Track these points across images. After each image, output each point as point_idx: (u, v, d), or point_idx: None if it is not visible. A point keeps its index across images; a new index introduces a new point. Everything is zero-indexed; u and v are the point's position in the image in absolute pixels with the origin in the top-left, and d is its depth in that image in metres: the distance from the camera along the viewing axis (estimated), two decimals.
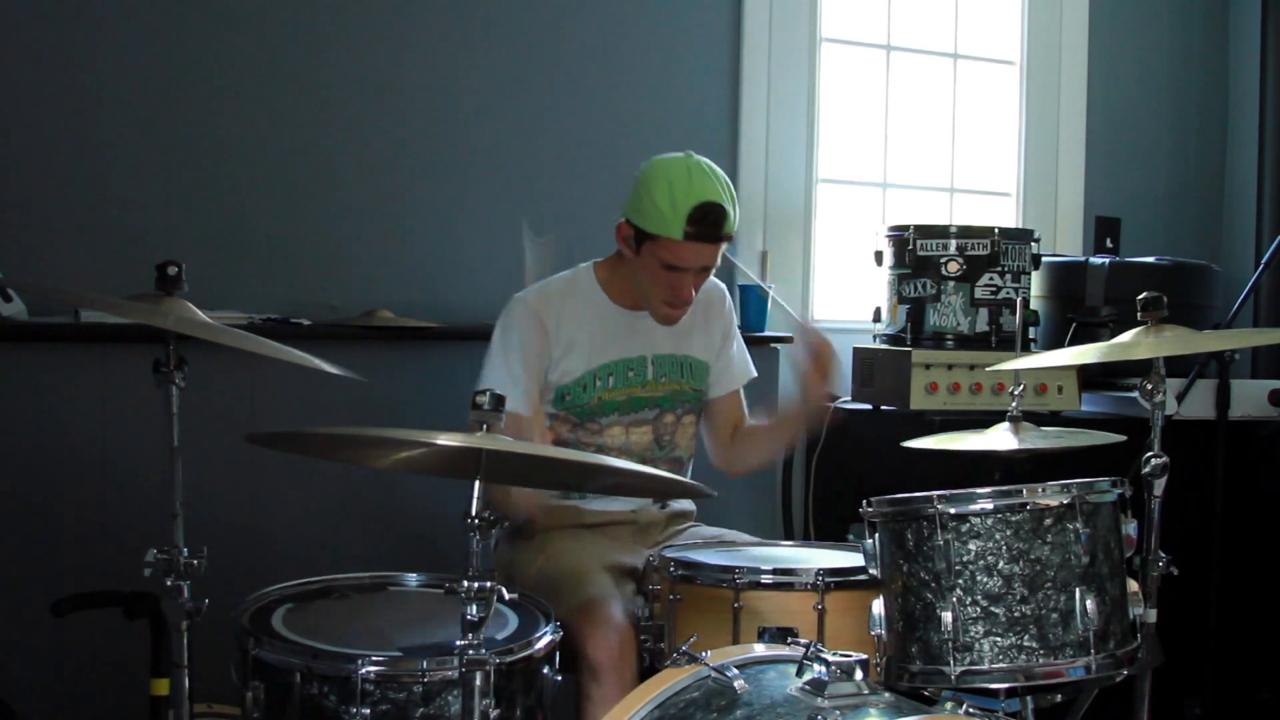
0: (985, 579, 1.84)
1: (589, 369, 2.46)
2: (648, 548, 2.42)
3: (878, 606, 1.93)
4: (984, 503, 1.85)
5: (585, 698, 2.11)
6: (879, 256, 3.26)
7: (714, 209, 2.31)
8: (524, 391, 2.39)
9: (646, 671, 2.05)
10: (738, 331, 2.70)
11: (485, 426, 1.50)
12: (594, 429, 2.48)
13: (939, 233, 3.13)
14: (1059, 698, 1.97)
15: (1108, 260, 3.37)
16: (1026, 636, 1.82)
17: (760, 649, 1.77)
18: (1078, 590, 1.83)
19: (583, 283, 2.51)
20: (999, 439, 2.28)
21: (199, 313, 1.79)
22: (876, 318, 3.28)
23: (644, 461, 2.49)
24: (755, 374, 2.70)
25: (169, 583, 1.74)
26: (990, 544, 1.84)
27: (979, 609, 1.83)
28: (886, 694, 1.58)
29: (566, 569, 2.28)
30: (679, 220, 2.30)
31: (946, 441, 2.34)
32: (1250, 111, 3.95)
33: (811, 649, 1.60)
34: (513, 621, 1.93)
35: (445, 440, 1.46)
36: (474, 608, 1.50)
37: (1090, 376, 3.24)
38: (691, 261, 2.36)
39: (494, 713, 1.59)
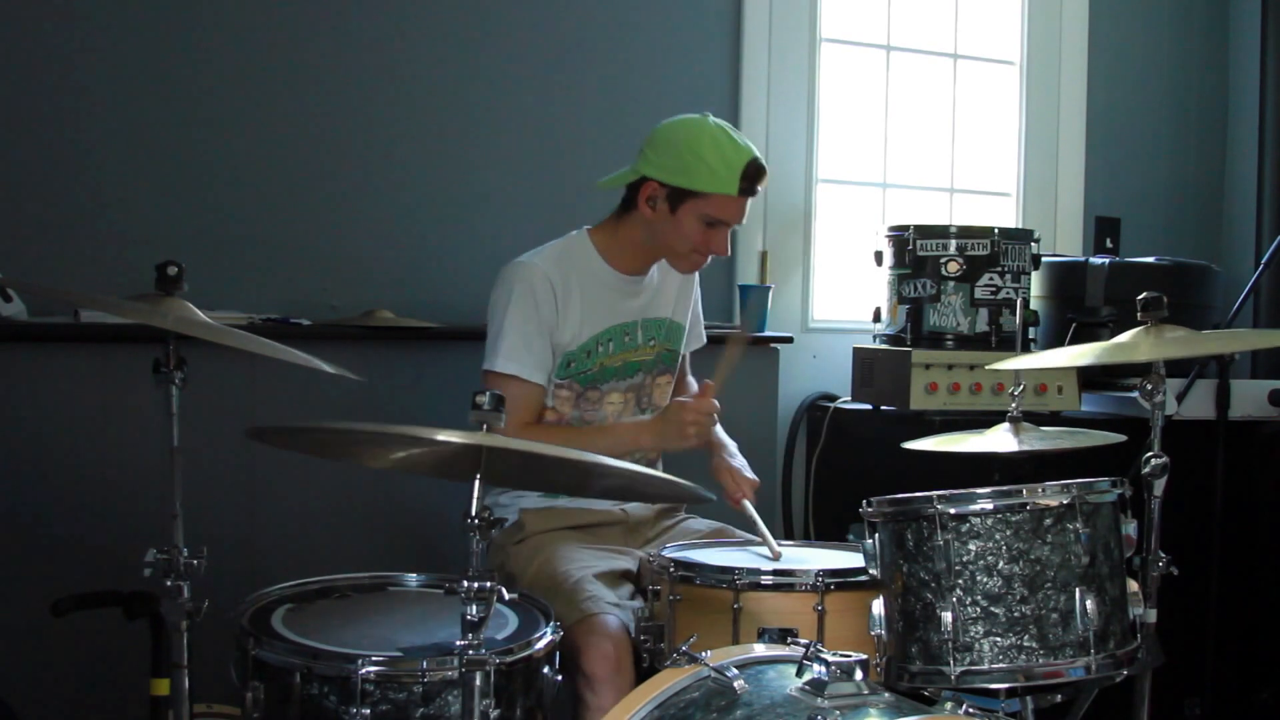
0: (985, 579, 1.84)
1: (592, 334, 2.48)
2: (639, 546, 2.43)
3: (878, 607, 1.93)
4: (984, 503, 1.85)
5: (584, 706, 2.11)
6: (879, 256, 3.26)
7: (762, 166, 2.38)
8: (539, 361, 2.41)
9: (646, 671, 2.05)
10: (699, 296, 2.77)
11: (485, 426, 1.50)
12: (594, 398, 2.49)
13: (939, 233, 3.13)
14: (1059, 698, 1.97)
15: (1108, 260, 3.37)
16: (1026, 637, 1.82)
17: (760, 649, 1.77)
18: (1078, 590, 1.83)
19: (580, 249, 2.51)
20: (999, 439, 2.28)
21: (199, 313, 1.79)
22: (876, 318, 3.28)
23: None
24: (705, 341, 2.78)
25: (169, 583, 1.74)
26: (990, 544, 1.84)
27: (979, 609, 1.83)
28: (886, 694, 1.58)
29: (560, 577, 2.27)
30: (734, 177, 2.34)
31: (946, 442, 2.34)
32: (1250, 111, 3.95)
33: (811, 649, 1.60)
34: (513, 621, 1.93)
35: (446, 436, 1.46)
36: (474, 608, 1.50)
37: (1090, 376, 3.24)
38: (738, 216, 2.42)
39: (494, 713, 1.59)
